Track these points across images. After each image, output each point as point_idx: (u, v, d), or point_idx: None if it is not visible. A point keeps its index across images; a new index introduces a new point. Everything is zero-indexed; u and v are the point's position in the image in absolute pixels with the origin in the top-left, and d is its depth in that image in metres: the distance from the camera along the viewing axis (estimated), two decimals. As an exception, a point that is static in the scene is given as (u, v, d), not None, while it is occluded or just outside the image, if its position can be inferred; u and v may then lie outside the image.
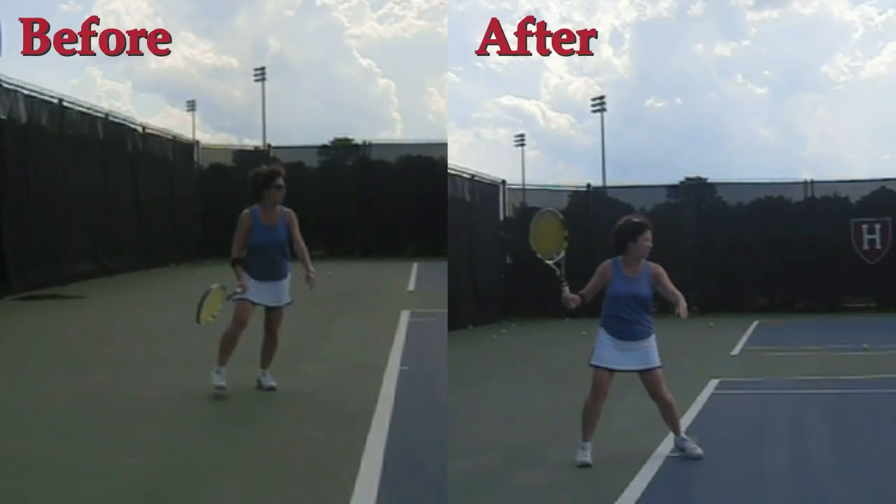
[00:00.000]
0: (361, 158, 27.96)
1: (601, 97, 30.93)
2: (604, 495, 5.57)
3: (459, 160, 24.52)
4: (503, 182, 22.16)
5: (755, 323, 18.45)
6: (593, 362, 6.40)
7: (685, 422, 7.60)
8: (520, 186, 23.98)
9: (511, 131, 56.43)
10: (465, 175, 20.14)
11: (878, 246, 22.30)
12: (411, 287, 17.83)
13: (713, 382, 9.96)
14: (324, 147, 28.64)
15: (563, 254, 6.60)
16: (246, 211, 7.40)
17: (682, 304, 6.32)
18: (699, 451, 6.37)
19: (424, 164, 27.43)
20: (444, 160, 27.23)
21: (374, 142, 28.29)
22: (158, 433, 6.28)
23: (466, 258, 19.20)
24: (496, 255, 20.88)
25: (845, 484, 5.94)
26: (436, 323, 12.22)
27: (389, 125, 47.72)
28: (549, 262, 6.60)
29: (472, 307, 18.80)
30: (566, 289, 6.47)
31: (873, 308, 22.23)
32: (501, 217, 22.12)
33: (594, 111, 30.83)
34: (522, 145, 34.14)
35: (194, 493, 5.09)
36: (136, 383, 8.00)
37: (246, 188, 7.46)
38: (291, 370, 8.05)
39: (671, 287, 6.41)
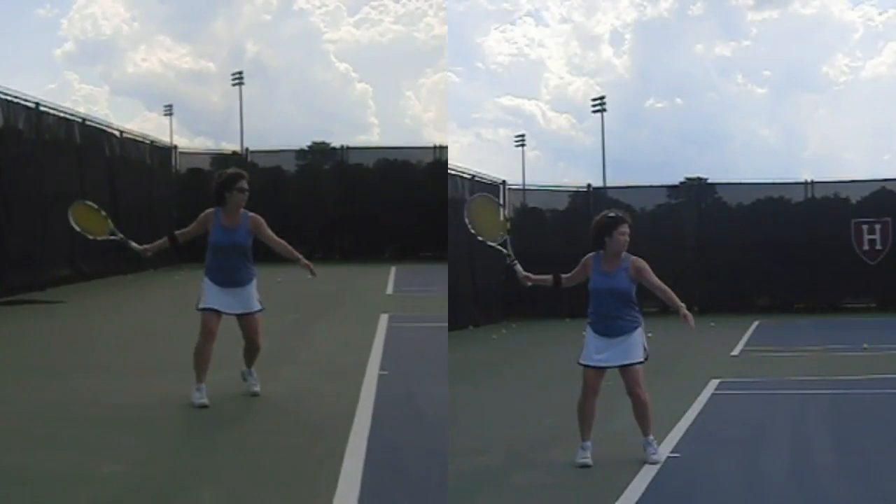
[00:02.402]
0: (339, 162, 28.05)
1: (601, 97, 31.06)
2: (604, 496, 5.57)
3: (459, 160, 24.59)
4: (503, 182, 22.17)
5: (755, 323, 18.46)
6: (580, 361, 6.43)
7: (685, 422, 7.62)
8: (520, 187, 24.01)
9: (511, 131, 56.70)
10: (465, 175, 20.15)
11: (878, 246, 22.31)
12: (390, 290, 17.88)
13: (713, 382, 9.96)
14: (301, 151, 28.73)
15: (506, 235, 6.77)
16: (210, 210, 7.27)
17: (685, 311, 6.27)
18: (657, 457, 6.30)
19: (402, 167, 27.70)
20: (421, 163, 27.50)
21: (351, 146, 28.41)
22: (138, 440, 6.21)
23: (467, 258, 19.20)
24: (497, 255, 20.87)
25: (845, 484, 5.94)
26: (415, 327, 12.24)
27: (366, 129, 47.99)
28: (494, 245, 6.78)
29: (472, 307, 18.81)
30: (519, 267, 6.63)
31: (873, 308, 22.25)
32: (501, 217, 22.07)
33: (594, 111, 30.94)
34: (523, 145, 34.26)
35: (174, 501, 5.04)
36: (115, 390, 7.90)
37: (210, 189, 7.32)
38: (270, 375, 7.99)
39: (657, 282, 6.37)
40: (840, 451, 6.84)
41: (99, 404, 7.33)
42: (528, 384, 10.97)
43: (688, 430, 7.30)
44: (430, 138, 44.29)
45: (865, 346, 13.45)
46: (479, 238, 6.89)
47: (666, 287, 6.36)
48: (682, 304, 6.32)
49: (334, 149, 28.59)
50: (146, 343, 10.78)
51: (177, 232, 7.48)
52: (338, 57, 55.55)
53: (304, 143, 29.41)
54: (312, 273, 7.19)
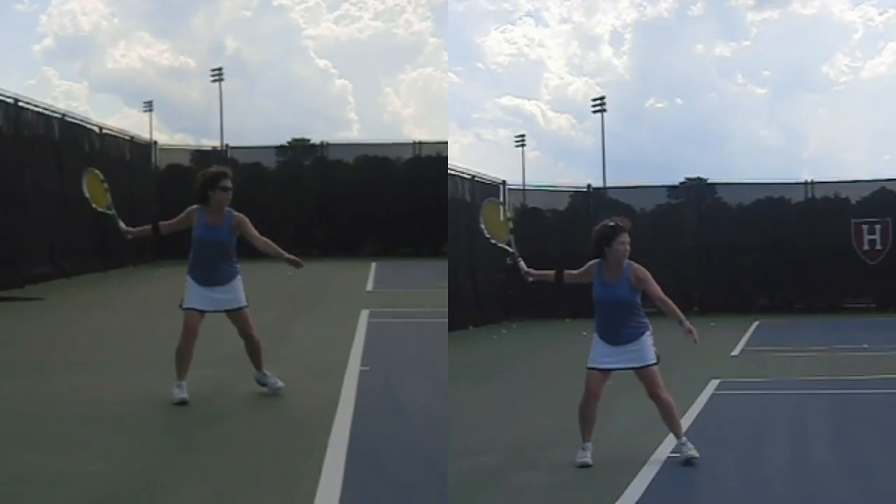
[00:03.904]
0: (319, 159, 28.03)
1: (601, 97, 30.91)
2: (604, 496, 5.57)
3: (460, 160, 24.50)
4: (503, 182, 22.17)
5: (755, 323, 18.46)
6: (587, 364, 6.43)
7: (685, 422, 7.59)
8: (520, 187, 24.00)
9: (511, 131, 56.48)
10: (465, 175, 20.15)
11: (878, 246, 22.30)
12: (370, 287, 17.81)
13: (713, 383, 9.96)
14: (281, 147, 28.70)
15: (510, 235, 7.01)
16: (195, 206, 7.26)
17: (688, 326, 6.23)
18: (694, 451, 6.28)
19: (382, 164, 27.74)
20: (400, 159, 27.58)
21: (331, 142, 28.38)
22: (119, 438, 6.15)
23: (467, 259, 19.20)
24: (497, 255, 20.86)
25: (845, 484, 5.94)
26: (395, 323, 12.24)
27: (346, 125, 47.92)
28: (503, 245, 7.02)
29: (472, 308, 18.81)
30: (522, 263, 6.81)
31: (873, 308, 22.24)
32: (501, 218, 22.10)
33: (594, 111, 30.82)
34: (523, 145, 34.12)
35: (156, 499, 4.99)
36: (96, 387, 7.84)
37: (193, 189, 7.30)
38: (251, 371, 7.91)
39: (658, 293, 6.31)
40: (840, 451, 6.83)
41: (79, 402, 7.29)
42: (528, 384, 10.97)
43: (688, 430, 7.24)
44: (410, 134, 44.47)
45: (865, 346, 13.46)
46: (493, 241, 7.06)
47: (667, 299, 6.29)
48: (685, 318, 6.27)
49: (314, 145, 28.59)
50: (127, 340, 10.74)
51: (160, 223, 7.51)
52: (317, 53, 55.63)
53: (283, 140, 29.54)
54: (300, 265, 7.18)
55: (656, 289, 6.35)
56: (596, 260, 6.48)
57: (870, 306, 22.46)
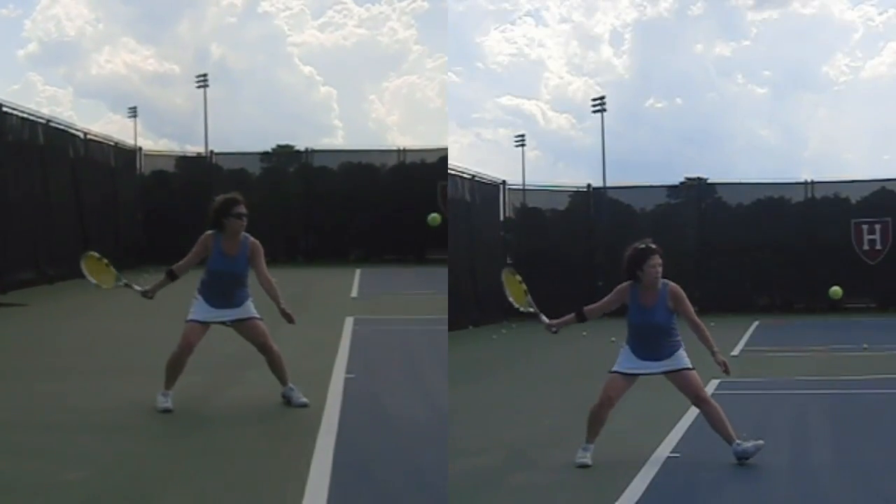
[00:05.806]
0: (304, 165, 28.16)
1: (601, 97, 30.91)
2: (604, 496, 5.56)
3: (459, 160, 24.54)
4: (503, 182, 22.19)
5: (755, 323, 18.47)
6: (612, 369, 6.38)
7: (685, 422, 7.60)
8: (520, 187, 24.01)
9: (511, 131, 56.67)
10: (465, 175, 20.16)
11: (878, 246, 22.33)
12: (354, 294, 17.76)
13: (714, 383, 9.93)
14: (266, 154, 28.82)
15: (528, 297, 6.89)
16: (210, 232, 7.11)
17: (720, 358, 6.22)
18: (752, 444, 6.19)
19: (366, 171, 27.91)
20: (385, 166, 27.84)
21: (315, 148, 28.46)
22: (103, 446, 6.10)
23: (467, 258, 19.21)
24: (497, 255, 20.88)
25: (845, 484, 5.94)
26: (380, 329, 12.20)
27: (331, 132, 48.11)
28: (524, 309, 6.90)
29: (472, 307, 18.82)
30: (543, 317, 6.73)
31: (873, 308, 22.26)
32: (502, 217, 22.18)
33: (594, 111, 30.81)
34: (522, 145, 34.15)
35: None
36: (80, 394, 7.78)
37: (206, 215, 7.18)
38: (236, 378, 7.86)
39: (693, 316, 6.27)
40: (840, 451, 6.83)
41: (62, 409, 7.22)
42: (528, 384, 10.97)
43: (688, 430, 7.28)
44: (394, 141, 44.65)
45: (865, 346, 13.47)
46: (518, 307, 6.97)
47: (701, 324, 6.24)
48: (718, 350, 6.25)
49: (299, 151, 28.73)
50: (111, 346, 10.68)
51: (174, 266, 7.23)
52: (302, 60, 55.69)
53: (268, 146, 29.67)
54: (291, 321, 7.04)
55: (691, 311, 6.31)
56: (627, 283, 6.38)
57: (870, 306, 22.49)
